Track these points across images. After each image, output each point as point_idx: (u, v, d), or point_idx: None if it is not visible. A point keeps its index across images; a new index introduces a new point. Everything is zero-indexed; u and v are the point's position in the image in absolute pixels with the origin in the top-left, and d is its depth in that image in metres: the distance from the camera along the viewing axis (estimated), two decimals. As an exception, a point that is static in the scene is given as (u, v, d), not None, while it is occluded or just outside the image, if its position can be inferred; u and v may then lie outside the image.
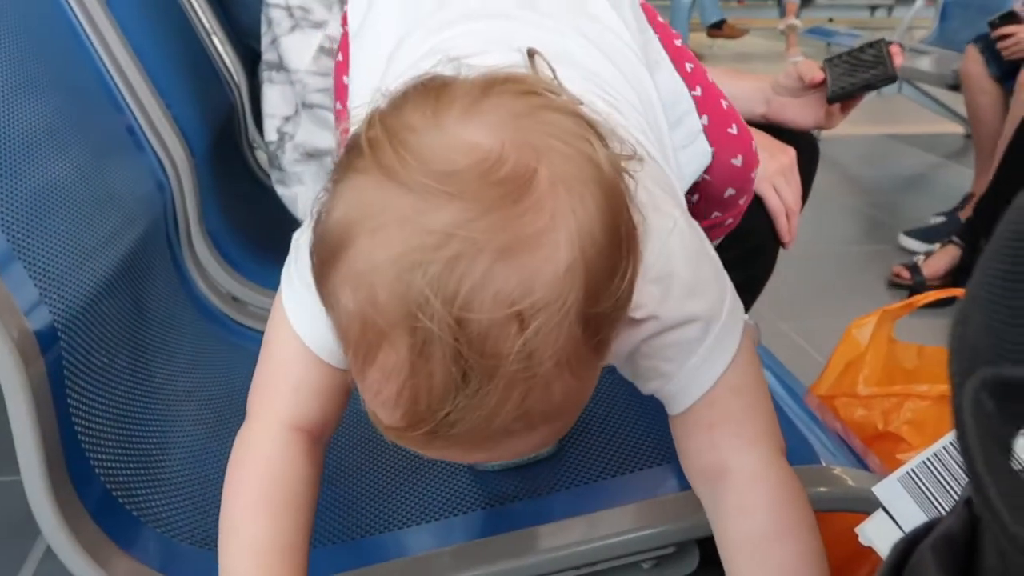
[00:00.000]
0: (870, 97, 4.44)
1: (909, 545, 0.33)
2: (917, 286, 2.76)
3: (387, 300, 0.51)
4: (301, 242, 0.72)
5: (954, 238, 2.84)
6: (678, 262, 0.66)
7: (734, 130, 0.98)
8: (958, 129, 4.59)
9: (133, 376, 0.98)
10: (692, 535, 0.77)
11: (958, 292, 1.20)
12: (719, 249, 1.28)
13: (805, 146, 1.49)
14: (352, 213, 0.53)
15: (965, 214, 3.06)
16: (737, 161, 0.97)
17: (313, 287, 0.60)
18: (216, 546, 0.81)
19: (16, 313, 0.81)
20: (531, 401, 0.53)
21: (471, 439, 0.54)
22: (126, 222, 1.12)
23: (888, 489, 0.54)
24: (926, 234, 3.08)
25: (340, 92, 0.99)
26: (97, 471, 0.85)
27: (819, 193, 3.71)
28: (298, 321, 0.71)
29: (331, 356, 0.69)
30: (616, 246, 0.54)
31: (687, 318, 0.67)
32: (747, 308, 1.39)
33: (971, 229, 2.85)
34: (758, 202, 1.31)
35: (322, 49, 1.39)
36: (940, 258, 2.83)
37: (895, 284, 2.83)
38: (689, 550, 0.79)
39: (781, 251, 1.49)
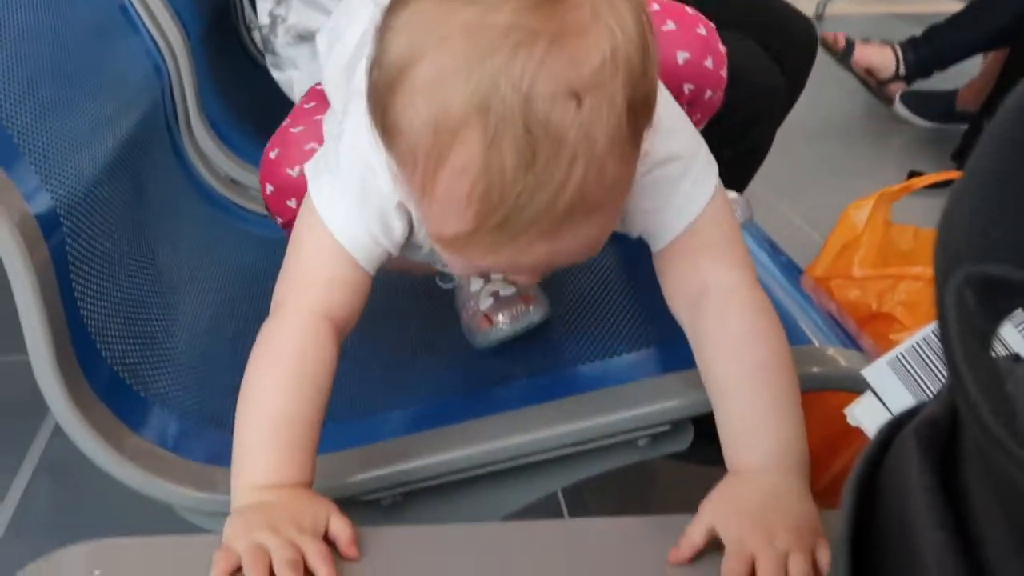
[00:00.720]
0: None
1: (894, 428, 0.35)
2: (841, 59, 2.93)
3: (459, 97, 0.58)
4: (334, 131, 0.77)
5: (896, 43, 2.91)
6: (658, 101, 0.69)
7: (671, 26, 0.93)
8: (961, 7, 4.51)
9: (136, 260, 0.99)
10: (687, 413, 0.79)
11: (956, 175, 1.20)
12: (710, 124, 1.29)
13: (801, 33, 1.47)
14: (416, 36, 0.61)
15: (964, 97, 3.05)
16: (683, 56, 0.93)
17: (345, 182, 0.72)
18: (221, 423, 0.84)
19: (18, 198, 0.82)
20: (589, 181, 0.59)
21: (537, 226, 0.60)
22: (124, 106, 1.12)
23: (877, 372, 0.56)
24: (922, 102, 3.08)
25: None
26: (103, 353, 0.86)
27: (819, 72, 3.69)
28: (332, 220, 0.75)
29: (360, 252, 0.75)
30: (645, 43, 0.61)
31: (670, 155, 0.75)
32: (744, 184, 1.39)
33: (914, 46, 2.92)
34: (746, 75, 1.30)
35: None
36: (872, 50, 2.91)
37: (824, 44, 2.92)
38: (684, 428, 0.81)
39: (779, 130, 1.49)
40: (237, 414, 0.71)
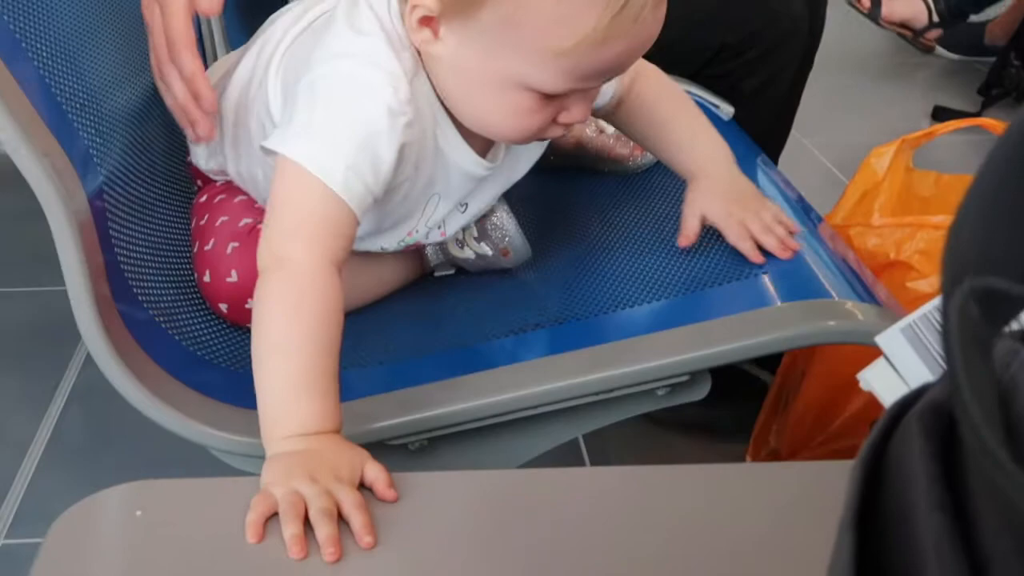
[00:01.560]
0: None
1: (899, 412, 0.37)
2: (870, 18, 2.92)
3: None
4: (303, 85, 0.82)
5: None
6: None
7: None
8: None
9: (170, 205, 1.01)
10: (706, 364, 0.82)
11: (980, 121, 1.21)
12: (738, 51, 1.29)
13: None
14: None
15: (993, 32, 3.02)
16: None
17: (326, 127, 0.79)
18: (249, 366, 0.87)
19: (54, 145, 0.83)
20: None
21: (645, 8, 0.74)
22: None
23: (890, 338, 0.58)
24: (949, 35, 3.06)
25: None
26: (140, 298, 0.89)
27: (847, 9, 3.65)
28: (322, 170, 0.78)
29: (354, 199, 0.79)
30: None
31: None
32: (758, 117, 1.38)
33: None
34: (776, 4, 1.30)
35: None
36: (903, 4, 2.89)
37: (851, 5, 2.91)
38: (702, 378, 0.84)
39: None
40: (262, 365, 0.74)
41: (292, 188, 0.80)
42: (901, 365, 0.56)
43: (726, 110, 1.33)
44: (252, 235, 0.93)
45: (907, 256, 1.07)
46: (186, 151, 1.07)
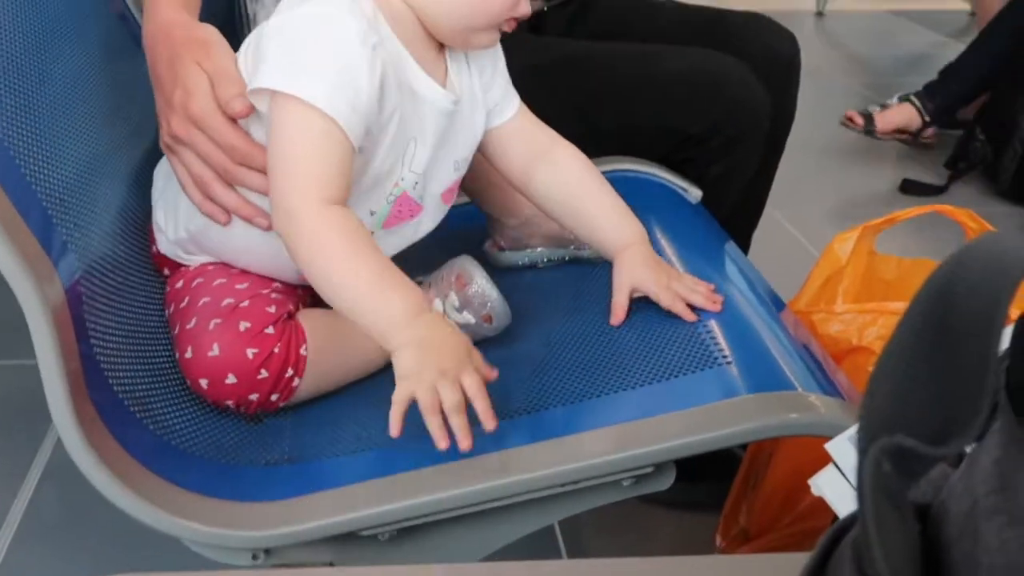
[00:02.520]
0: None
1: (833, 539, 0.39)
2: (867, 134, 3.00)
3: None
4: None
5: (911, 96, 2.96)
6: None
7: None
8: (963, 5, 4.53)
9: (146, 292, 1.03)
10: (669, 457, 0.83)
11: (939, 208, 1.24)
12: (702, 139, 1.32)
13: (783, 46, 1.50)
14: None
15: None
16: None
17: (313, 63, 0.85)
18: (229, 456, 0.88)
19: (28, 233, 0.85)
20: None
21: None
22: (133, 132, 1.15)
23: (840, 446, 0.60)
24: None
25: None
26: (115, 387, 0.90)
27: (819, 73, 3.73)
28: (311, 96, 0.84)
29: (340, 115, 0.85)
30: None
31: None
32: (726, 201, 1.41)
33: (929, 92, 2.95)
34: (727, 91, 1.34)
35: None
36: (893, 113, 2.97)
37: (846, 126, 3.00)
38: (667, 468, 0.85)
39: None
40: (340, 286, 0.85)
41: (288, 130, 0.86)
42: (851, 472, 0.58)
43: (694, 193, 1.36)
44: (234, 313, 0.95)
45: (869, 342, 1.09)
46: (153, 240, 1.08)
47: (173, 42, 0.97)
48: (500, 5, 0.93)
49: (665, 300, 1.01)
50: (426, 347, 0.81)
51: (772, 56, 1.48)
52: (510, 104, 1.07)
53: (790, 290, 1.34)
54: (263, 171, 0.92)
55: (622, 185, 1.29)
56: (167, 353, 0.99)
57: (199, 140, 0.95)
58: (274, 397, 0.95)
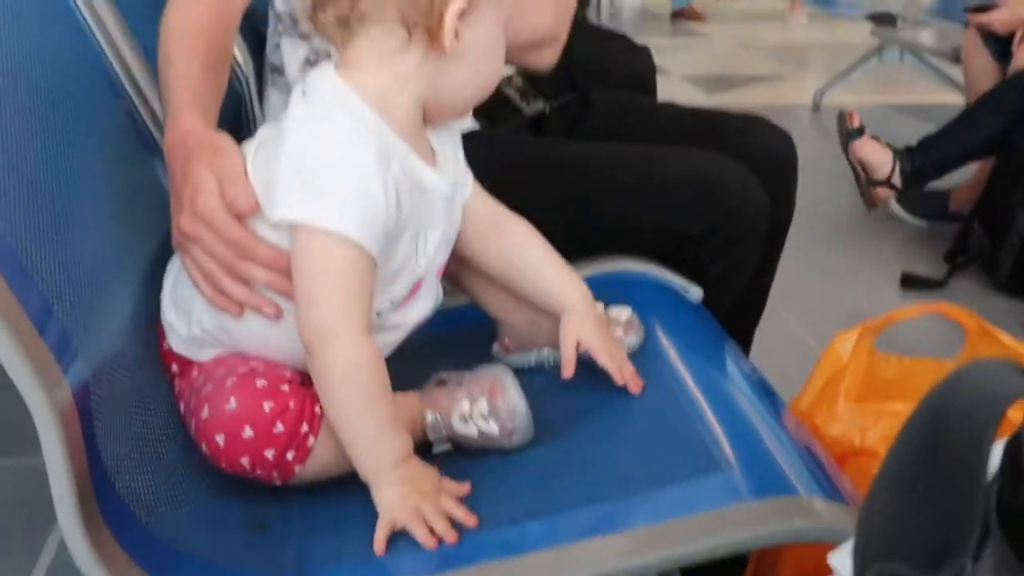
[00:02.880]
0: (872, 65, 4.50)
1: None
2: (843, 135, 3.07)
3: None
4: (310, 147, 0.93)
5: (898, 149, 2.98)
6: None
7: None
8: (959, 99, 4.60)
9: (153, 394, 1.04)
10: (672, 566, 0.84)
11: (939, 308, 1.26)
12: (701, 240, 1.34)
13: (780, 146, 1.54)
14: None
15: (957, 199, 3.12)
16: None
17: (333, 186, 0.90)
18: (237, 561, 0.88)
19: (36, 336, 0.86)
20: None
21: None
22: (141, 235, 1.17)
23: (843, 560, 0.60)
24: (917, 202, 3.16)
25: None
26: (121, 492, 0.91)
27: (817, 166, 3.77)
28: (339, 224, 0.90)
29: (366, 239, 0.91)
30: None
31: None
32: (726, 300, 1.43)
33: (911, 154, 2.99)
34: (724, 192, 1.36)
35: (307, 61, 1.43)
36: (873, 148, 2.99)
37: (840, 118, 3.07)
38: None
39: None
40: (348, 417, 0.92)
41: (314, 254, 0.92)
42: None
43: (694, 292, 1.37)
44: (251, 374, 0.97)
45: (871, 444, 1.10)
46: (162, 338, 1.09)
47: (189, 147, 1.03)
48: (499, 72, 1.02)
49: (602, 359, 1.08)
50: (407, 481, 0.91)
51: (770, 156, 1.51)
52: (469, 175, 1.11)
53: (792, 384, 1.35)
54: (266, 265, 0.97)
55: (621, 284, 1.32)
56: (173, 455, 0.99)
57: (205, 236, 0.99)
58: (290, 455, 0.95)
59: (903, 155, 2.97)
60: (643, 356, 1.15)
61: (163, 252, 1.18)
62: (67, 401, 0.86)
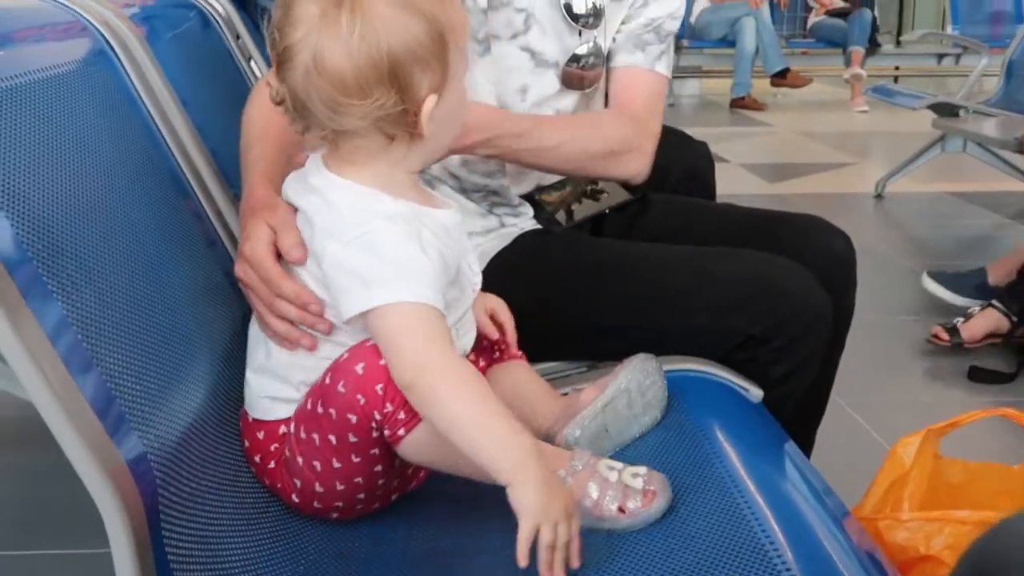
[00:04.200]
0: (935, 153, 4.46)
1: None
2: (955, 348, 2.86)
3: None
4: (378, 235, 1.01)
5: (994, 302, 2.89)
6: None
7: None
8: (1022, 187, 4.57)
9: (217, 496, 1.06)
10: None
11: (1004, 412, 1.24)
12: (763, 340, 1.34)
13: (837, 245, 1.54)
14: None
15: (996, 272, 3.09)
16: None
17: (390, 271, 0.99)
18: None
19: (112, 447, 0.89)
20: None
21: None
22: (208, 325, 1.20)
23: None
24: (953, 280, 3.12)
25: None
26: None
27: (880, 256, 3.75)
28: (422, 297, 0.98)
29: (440, 302, 1.00)
30: None
31: None
32: (788, 401, 1.42)
33: (1012, 293, 2.90)
34: (784, 293, 1.37)
35: None
36: (979, 321, 2.87)
37: (934, 344, 2.88)
38: None
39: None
40: (469, 429, 0.95)
41: (390, 325, 0.99)
42: None
43: (755, 393, 1.37)
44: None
45: (936, 551, 1.08)
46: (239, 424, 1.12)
47: (254, 209, 1.15)
48: (467, 109, 1.12)
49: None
50: (551, 488, 0.92)
51: (829, 257, 1.52)
52: None
53: (861, 479, 1.33)
54: (291, 300, 1.07)
55: (683, 384, 1.32)
56: (235, 558, 1.01)
57: (250, 277, 1.11)
58: (402, 415, 1.00)
59: (1004, 298, 2.89)
60: (703, 457, 1.15)
61: (232, 343, 1.21)
62: (136, 506, 0.88)
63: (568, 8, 1.45)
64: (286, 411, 1.11)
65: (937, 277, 3.15)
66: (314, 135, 1.03)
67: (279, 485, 1.10)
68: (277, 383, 1.11)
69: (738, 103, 7.94)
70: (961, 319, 2.89)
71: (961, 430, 1.31)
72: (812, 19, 8.47)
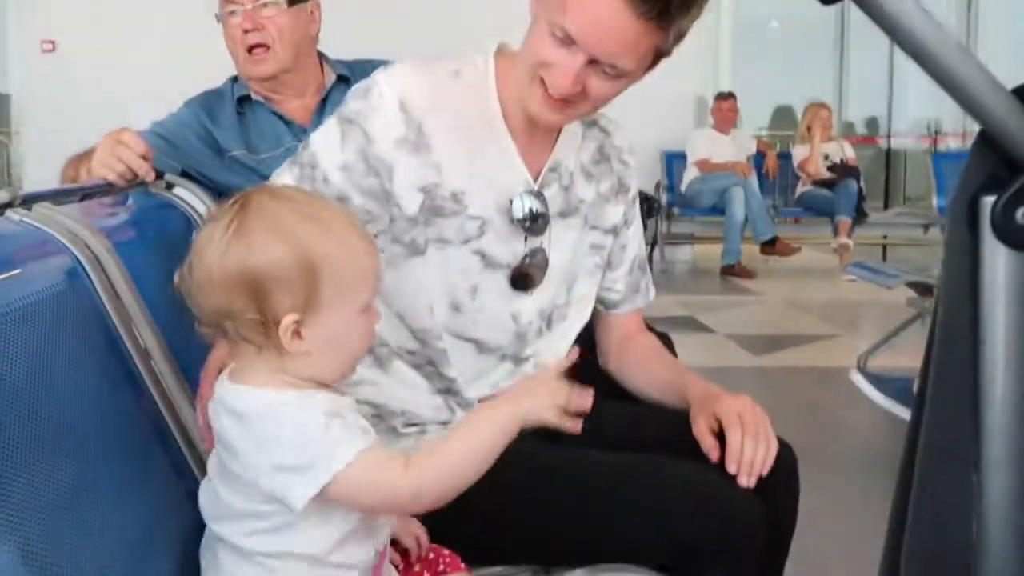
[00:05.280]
0: (915, 327, 4.38)
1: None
2: None
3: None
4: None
5: None
6: None
7: None
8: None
9: None
10: None
11: None
12: (697, 548, 1.38)
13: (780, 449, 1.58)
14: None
15: None
16: None
17: (320, 443, 1.10)
18: None
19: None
20: None
21: None
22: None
23: None
24: (882, 382, 3.16)
25: None
26: None
27: (857, 431, 3.64)
28: (348, 454, 1.09)
29: (368, 441, 1.13)
30: None
31: None
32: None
33: None
34: (732, 505, 1.41)
35: None
36: None
37: None
38: None
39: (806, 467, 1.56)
40: (473, 463, 1.14)
41: (365, 479, 1.10)
42: None
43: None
44: None
45: None
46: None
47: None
48: (365, 344, 1.22)
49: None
50: (527, 393, 1.19)
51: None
52: None
53: None
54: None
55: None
56: None
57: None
58: None
59: None
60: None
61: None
62: None
63: (509, 213, 1.54)
64: None
65: (869, 377, 3.09)
66: (207, 331, 1.16)
67: None
68: None
69: (728, 271, 8.06)
70: None
71: None
72: (800, 188, 8.67)
